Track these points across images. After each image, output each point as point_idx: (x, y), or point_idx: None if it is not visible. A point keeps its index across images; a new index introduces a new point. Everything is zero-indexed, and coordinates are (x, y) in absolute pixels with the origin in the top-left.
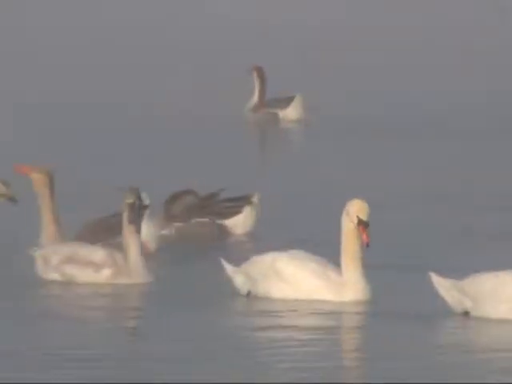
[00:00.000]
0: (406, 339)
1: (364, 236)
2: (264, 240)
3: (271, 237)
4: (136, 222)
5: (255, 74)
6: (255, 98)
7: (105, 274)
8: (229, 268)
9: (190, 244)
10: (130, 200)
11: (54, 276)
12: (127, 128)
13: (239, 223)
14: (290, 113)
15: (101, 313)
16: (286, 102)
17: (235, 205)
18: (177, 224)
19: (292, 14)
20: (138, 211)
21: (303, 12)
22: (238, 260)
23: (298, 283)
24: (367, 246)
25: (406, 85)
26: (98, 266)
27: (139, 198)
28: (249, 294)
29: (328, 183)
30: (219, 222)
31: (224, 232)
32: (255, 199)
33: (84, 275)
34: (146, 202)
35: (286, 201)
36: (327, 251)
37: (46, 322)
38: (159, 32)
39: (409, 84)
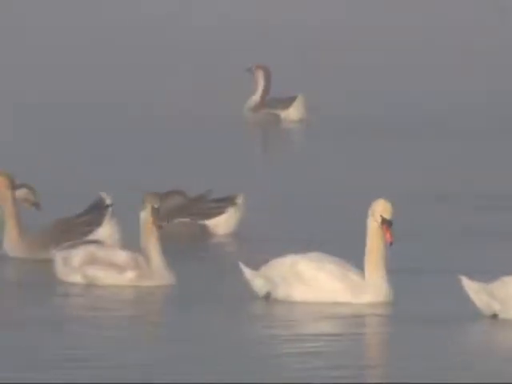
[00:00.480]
0: (431, 341)
1: (387, 235)
2: (268, 241)
3: (273, 237)
4: (158, 225)
5: (261, 73)
6: (256, 97)
7: (128, 276)
8: (247, 271)
9: (173, 244)
10: (156, 204)
11: (76, 278)
12: (127, 128)
13: (221, 224)
14: (292, 113)
15: (124, 315)
16: (288, 102)
17: (218, 206)
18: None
19: (292, 13)
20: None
21: (303, 12)
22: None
23: (319, 286)
24: (390, 245)
25: (406, 85)
26: (121, 268)
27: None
28: (268, 296)
29: (329, 183)
30: (201, 222)
31: (205, 232)
32: (239, 200)
33: (107, 277)
34: (108, 201)
35: (286, 201)
36: (330, 251)
37: (69, 325)
38: (159, 32)
39: (409, 84)
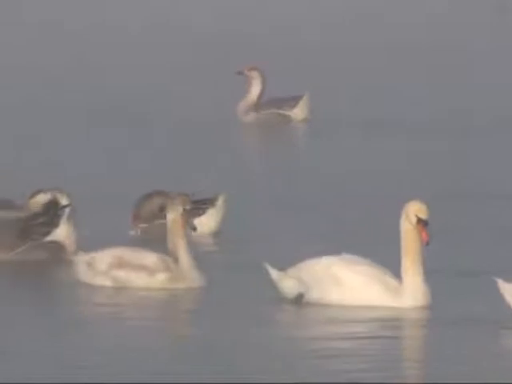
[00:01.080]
0: (468, 344)
1: (424, 234)
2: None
3: (274, 238)
4: (193, 227)
5: (255, 74)
6: (252, 97)
7: (159, 279)
8: (274, 273)
9: (155, 245)
10: (187, 206)
11: (103, 281)
12: (128, 128)
13: (201, 225)
14: (298, 112)
15: (157, 317)
16: (294, 101)
17: (198, 207)
18: (141, 225)
19: (292, 13)
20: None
21: (303, 12)
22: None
23: (356, 288)
24: (427, 244)
25: (409, 84)
26: (151, 271)
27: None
28: (300, 298)
29: (329, 183)
30: None
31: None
32: (219, 201)
33: (137, 280)
34: (65, 201)
35: (287, 200)
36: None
37: (101, 327)
38: (158, 31)
39: (413, 83)
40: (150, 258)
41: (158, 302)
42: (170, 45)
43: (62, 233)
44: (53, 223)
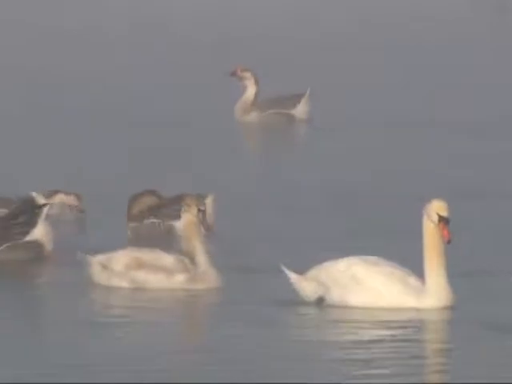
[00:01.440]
0: (493, 346)
1: (445, 232)
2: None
3: (280, 239)
4: (207, 227)
5: (248, 75)
6: (250, 97)
7: (178, 280)
8: (293, 275)
9: (143, 244)
10: (202, 206)
11: (120, 282)
12: (130, 128)
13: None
14: (301, 110)
15: (174, 318)
16: (296, 99)
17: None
18: (132, 224)
19: (293, 13)
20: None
21: (304, 11)
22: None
23: (378, 289)
24: (448, 242)
25: (408, 84)
26: (170, 272)
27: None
28: (321, 301)
29: (331, 182)
30: (168, 223)
31: (171, 234)
32: (207, 201)
33: (156, 281)
34: (42, 201)
35: (289, 200)
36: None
37: (111, 328)
38: (158, 31)
39: (411, 83)
40: (167, 258)
41: (177, 302)
42: (170, 46)
43: (39, 232)
44: (32, 223)
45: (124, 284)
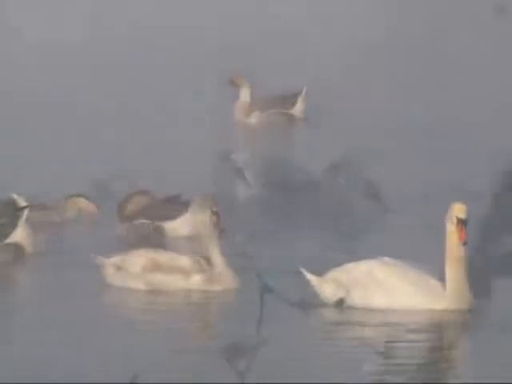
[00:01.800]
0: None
1: (461, 234)
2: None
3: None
4: (221, 228)
5: (242, 80)
6: (247, 99)
7: (195, 281)
8: (313, 278)
9: (137, 245)
10: (215, 207)
11: (136, 284)
12: (131, 128)
13: (177, 227)
14: (299, 109)
15: (191, 320)
16: (293, 98)
17: (176, 208)
18: (123, 225)
19: (293, 13)
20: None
21: (304, 11)
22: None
23: (399, 291)
24: (464, 244)
25: (408, 84)
26: (187, 273)
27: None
28: (342, 303)
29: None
30: (158, 224)
31: (161, 234)
32: (195, 205)
33: (173, 282)
34: (23, 203)
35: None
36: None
37: (134, 330)
38: (158, 32)
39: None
40: (183, 259)
41: (194, 304)
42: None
43: (19, 234)
44: (13, 225)
45: (140, 286)
